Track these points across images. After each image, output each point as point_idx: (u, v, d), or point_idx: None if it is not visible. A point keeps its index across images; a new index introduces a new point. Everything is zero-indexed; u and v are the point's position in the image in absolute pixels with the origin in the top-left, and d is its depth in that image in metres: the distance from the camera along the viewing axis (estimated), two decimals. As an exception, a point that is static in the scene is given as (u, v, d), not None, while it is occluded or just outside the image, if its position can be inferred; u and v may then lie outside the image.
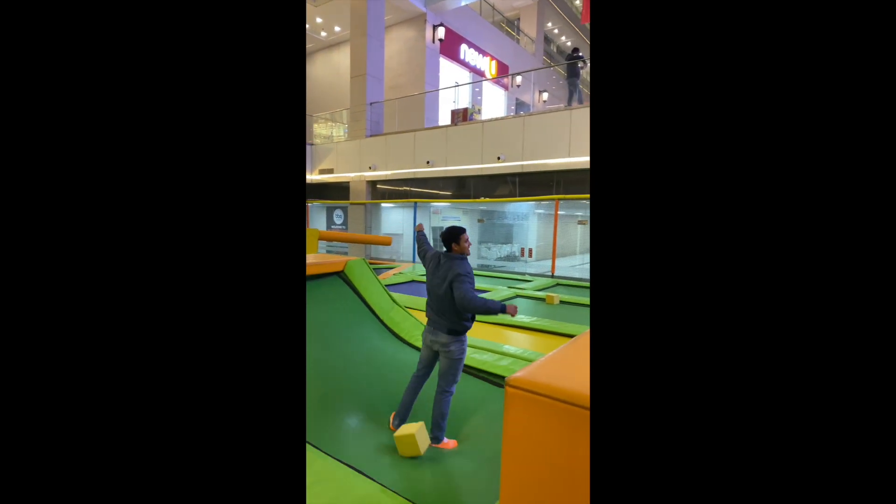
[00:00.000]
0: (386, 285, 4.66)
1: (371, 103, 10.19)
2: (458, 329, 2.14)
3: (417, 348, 3.22)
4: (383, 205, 10.53)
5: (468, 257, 2.24)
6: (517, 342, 3.44)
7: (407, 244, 9.70)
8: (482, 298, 2.05)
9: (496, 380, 2.69)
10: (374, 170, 10.14)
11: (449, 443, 1.98)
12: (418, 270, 7.31)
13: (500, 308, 2.01)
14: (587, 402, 0.93)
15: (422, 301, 4.65)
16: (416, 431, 1.86)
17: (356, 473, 1.64)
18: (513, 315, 2.03)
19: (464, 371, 2.90)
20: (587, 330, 1.51)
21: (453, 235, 2.19)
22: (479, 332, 3.64)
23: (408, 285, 6.04)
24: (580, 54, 8.39)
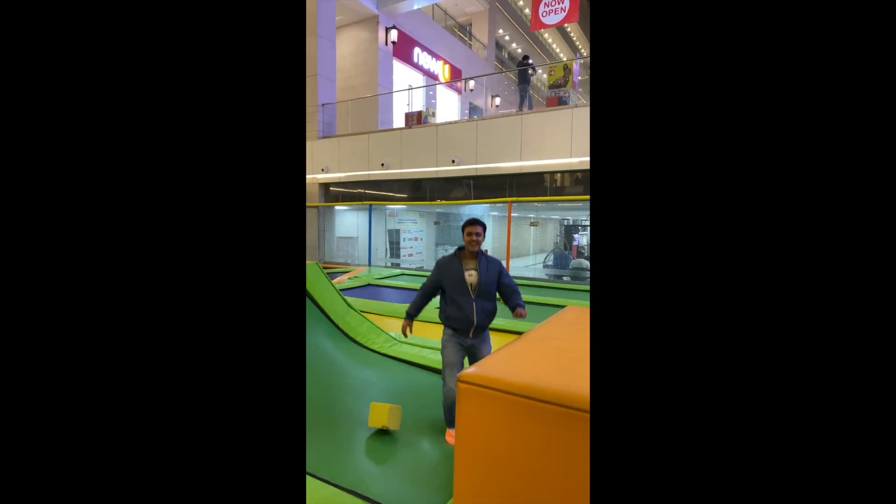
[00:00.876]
0: (341, 290, 4.59)
1: (323, 104, 9.98)
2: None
3: (374, 351, 3.20)
4: (337, 207, 10.34)
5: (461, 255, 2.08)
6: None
7: (362, 247, 9.57)
8: (416, 300, 2.18)
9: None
10: (327, 172, 9.94)
11: (450, 433, 1.97)
12: (374, 274, 7.24)
13: (406, 315, 2.19)
14: (539, 395, 0.99)
15: (377, 304, 4.62)
16: (390, 407, 2.05)
17: (313, 479, 1.63)
18: (403, 333, 2.18)
19: (423, 368, 2.92)
20: (535, 326, 1.59)
21: (462, 227, 2.15)
22: (433, 333, 3.68)
23: (363, 289, 5.98)
24: (530, 61, 8.70)
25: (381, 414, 2.04)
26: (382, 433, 2.06)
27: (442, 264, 2.11)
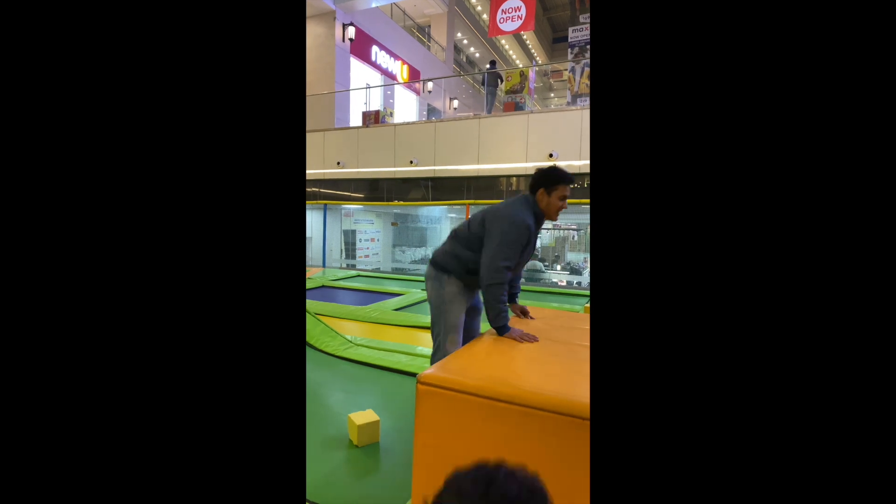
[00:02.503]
0: (294, 291, 4.43)
1: (276, 99, 9.62)
2: (437, 260, 1.62)
3: (328, 354, 3.12)
4: (290, 206, 10.00)
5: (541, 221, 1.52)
6: (429, 343, 3.51)
7: (316, 248, 9.32)
8: (502, 296, 1.43)
9: (412, 378, 2.73)
10: (280, 169, 9.60)
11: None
12: (329, 276, 7.07)
13: (502, 324, 1.44)
14: (495, 395, 1.01)
15: (332, 307, 4.51)
16: (358, 426, 1.92)
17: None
18: (519, 340, 1.40)
19: (381, 369, 2.88)
20: (490, 328, 1.61)
21: (547, 178, 1.50)
22: (393, 335, 3.65)
23: (318, 291, 5.82)
24: (496, 68, 8.90)
25: (352, 427, 1.95)
26: (341, 439, 2.01)
27: (530, 225, 1.50)
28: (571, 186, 1.54)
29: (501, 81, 8.33)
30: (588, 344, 1.40)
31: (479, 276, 1.50)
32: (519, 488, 0.46)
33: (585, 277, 9.83)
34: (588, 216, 10.00)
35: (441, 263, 1.66)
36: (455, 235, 1.68)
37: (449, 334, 1.62)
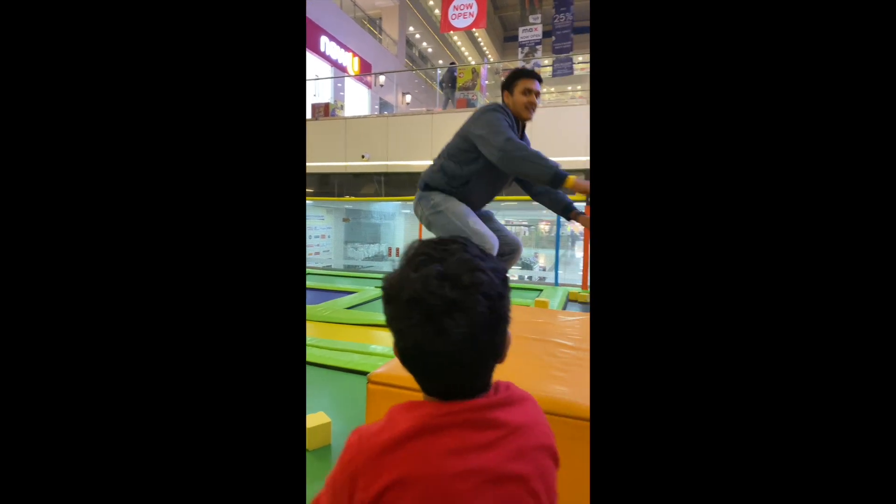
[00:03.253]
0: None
1: (217, 87, 9.08)
2: (423, 181, 1.58)
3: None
4: (234, 202, 9.50)
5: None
6: (383, 341, 3.45)
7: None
8: (529, 153, 1.34)
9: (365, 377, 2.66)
10: (222, 162, 9.09)
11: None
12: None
13: (555, 170, 1.33)
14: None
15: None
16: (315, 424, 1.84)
17: None
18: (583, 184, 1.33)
19: (335, 370, 2.78)
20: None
21: (506, 80, 1.48)
22: (346, 335, 3.55)
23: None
24: (455, 69, 8.91)
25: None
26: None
27: (504, 115, 1.45)
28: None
29: (456, 86, 8.34)
30: (543, 338, 1.41)
31: (469, 191, 1.49)
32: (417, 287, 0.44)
33: (536, 272, 10.12)
34: (537, 213, 10.29)
35: (426, 182, 1.65)
36: (440, 154, 1.68)
37: (473, 237, 1.46)
